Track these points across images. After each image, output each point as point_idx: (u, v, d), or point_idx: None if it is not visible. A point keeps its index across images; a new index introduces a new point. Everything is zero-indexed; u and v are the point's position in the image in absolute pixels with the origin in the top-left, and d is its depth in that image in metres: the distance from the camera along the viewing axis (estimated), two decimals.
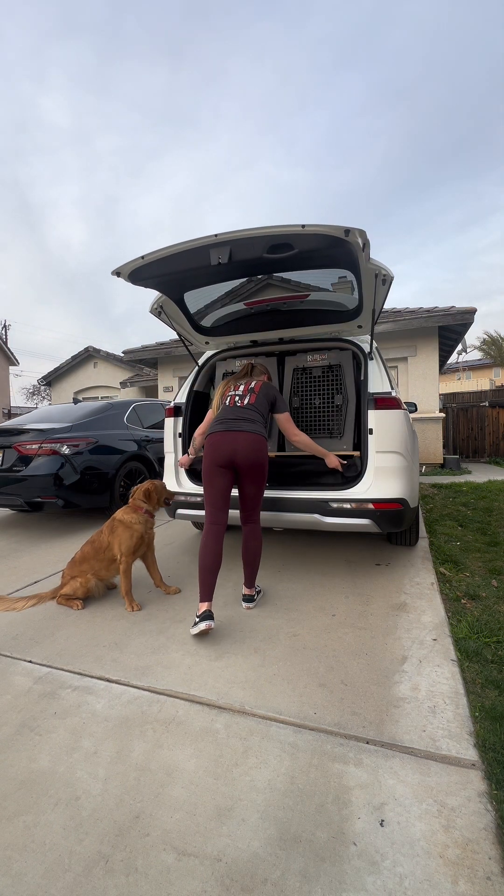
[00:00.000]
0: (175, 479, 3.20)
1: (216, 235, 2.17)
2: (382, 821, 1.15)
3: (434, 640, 2.03)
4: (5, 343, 22.22)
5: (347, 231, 1.97)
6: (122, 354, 12.02)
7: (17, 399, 28.56)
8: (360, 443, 2.74)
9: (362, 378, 2.80)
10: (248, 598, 2.45)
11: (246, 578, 2.46)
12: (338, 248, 2.17)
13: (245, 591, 2.47)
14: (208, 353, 3.62)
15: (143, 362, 11.86)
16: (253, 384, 2.58)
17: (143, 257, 2.33)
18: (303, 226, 2.01)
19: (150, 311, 3.04)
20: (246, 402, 2.49)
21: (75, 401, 5.74)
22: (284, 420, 2.59)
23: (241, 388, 2.58)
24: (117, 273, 2.46)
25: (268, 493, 2.69)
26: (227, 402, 2.53)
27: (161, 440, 4.79)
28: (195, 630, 2.05)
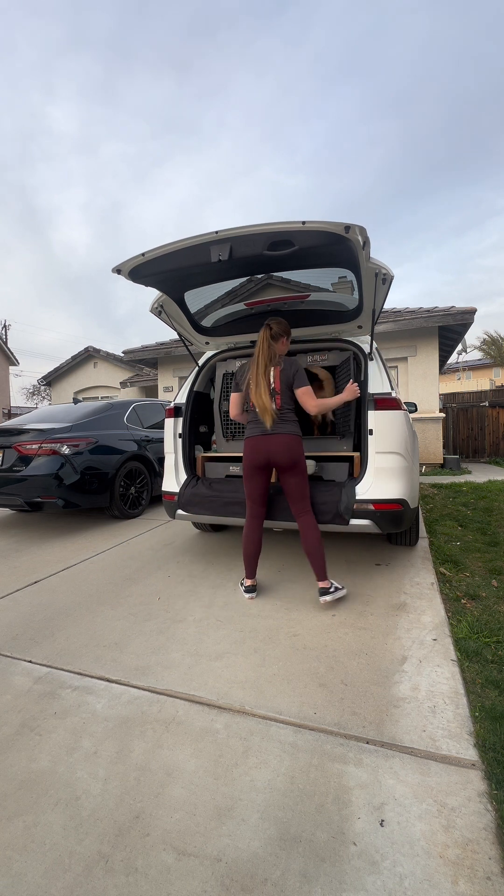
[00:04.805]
0: (175, 480, 3.20)
1: (217, 232, 2.16)
2: (382, 821, 1.15)
3: (434, 640, 2.03)
4: (5, 343, 22.21)
5: (348, 227, 1.97)
6: (123, 354, 12.02)
7: (17, 399, 28.59)
8: (360, 443, 2.74)
9: (362, 379, 2.80)
10: (324, 591, 2.38)
11: (315, 572, 2.44)
12: (338, 246, 2.16)
13: (319, 584, 2.42)
14: (208, 354, 3.61)
15: (143, 362, 11.86)
16: (273, 382, 2.46)
17: (143, 254, 2.33)
18: (303, 222, 2.01)
19: (151, 311, 3.04)
20: (274, 406, 2.43)
21: (75, 401, 5.74)
22: (302, 394, 2.48)
23: (266, 389, 2.46)
24: (118, 270, 2.45)
25: None
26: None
27: (161, 440, 4.78)
28: (247, 596, 2.55)
